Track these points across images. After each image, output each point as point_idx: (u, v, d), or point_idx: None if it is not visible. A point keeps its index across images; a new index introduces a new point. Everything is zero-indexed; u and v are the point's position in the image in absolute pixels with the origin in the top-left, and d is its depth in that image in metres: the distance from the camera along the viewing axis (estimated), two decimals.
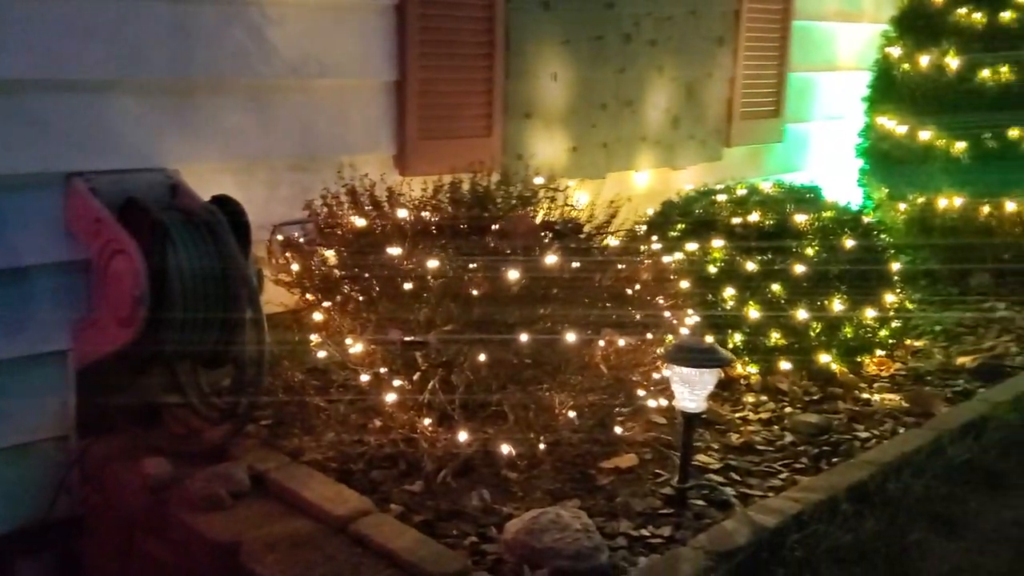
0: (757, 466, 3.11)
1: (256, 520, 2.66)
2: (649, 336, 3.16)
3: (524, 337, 2.91)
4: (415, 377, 2.99)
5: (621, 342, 3.02)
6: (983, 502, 2.97)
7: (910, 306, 4.31)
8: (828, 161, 6.17)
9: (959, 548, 2.72)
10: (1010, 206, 5.31)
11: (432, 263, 3.03)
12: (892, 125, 5.57)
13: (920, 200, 5.49)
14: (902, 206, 5.58)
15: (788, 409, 3.63)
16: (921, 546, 2.71)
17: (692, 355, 2.81)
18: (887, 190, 5.66)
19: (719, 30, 5.13)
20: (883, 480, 2.97)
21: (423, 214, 3.27)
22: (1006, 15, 5.32)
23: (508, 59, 4.26)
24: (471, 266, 3.04)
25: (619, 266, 3.29)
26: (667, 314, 3.28)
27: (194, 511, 2.68)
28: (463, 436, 2.90)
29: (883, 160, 5.64)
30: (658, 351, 3.03)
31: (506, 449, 2.91)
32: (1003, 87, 5.27)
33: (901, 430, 3.43)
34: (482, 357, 2.91)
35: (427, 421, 2.97)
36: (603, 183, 4.72)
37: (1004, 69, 5.28)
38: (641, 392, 3.20)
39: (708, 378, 2.83)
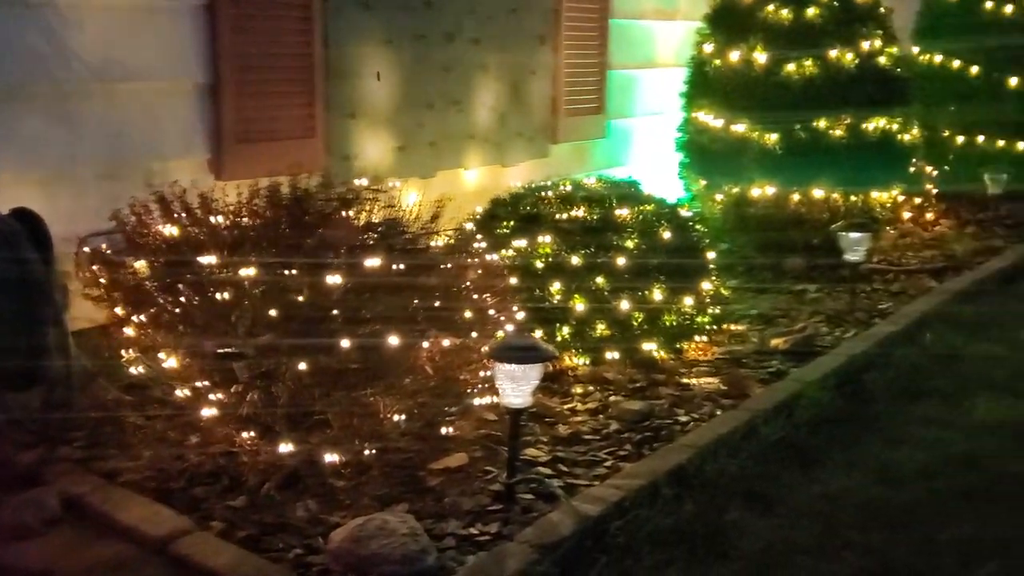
0: (584, 456, 3.19)
1: (69, 547, 2.55)
2: (476, 335, 3.18)
3: (346, 342, 2.88)
4: (235, 389, 2.92)
5: (447, 342, 3.03)
6: (795, 478, 3.13)
7: (726, 293, 4.50)
8: (651, 156, 6.38)
9: (772, 524, 2.86)
10: (818, 193, 5.61)
11: (249, 271, 2.96)
12: (708, 119, 5.79)
13: (736, 191, 5.73)
14: (719, 197, 5.81)
15: (614, 398, 3.73)
16: (737, 525, 2.83)
17: (516, 352, 2.85)
18: (705, 182, 5.88)
19: (540, 28, 5.22)
20: (701, 462, 3.10)
21: (240, 220, 3.19)
22: (811, 11, 5.61)
23: (329, 59, 4.21)
24: (291, 272, 2.99)
25: (445, 266, 3.30)
26: (493, 312, 3.31)
27: (3, 542, 2.54)
28: (286, 447, 2.85)
29: (700, 153, 5.86)
30: (484, 349, 3.05)
31: (332, 457, 2.88)
32: (807, 80, 5.56)
33: (719, 412, 3.58)
34: (304, 365, 2.87)
35: (249, 434, 2.90)
36: (433, 182, 4.72)
37: (808, 63, 5.58)
38: (470, 391, 3.22)
39: (532, 373, 2.87)
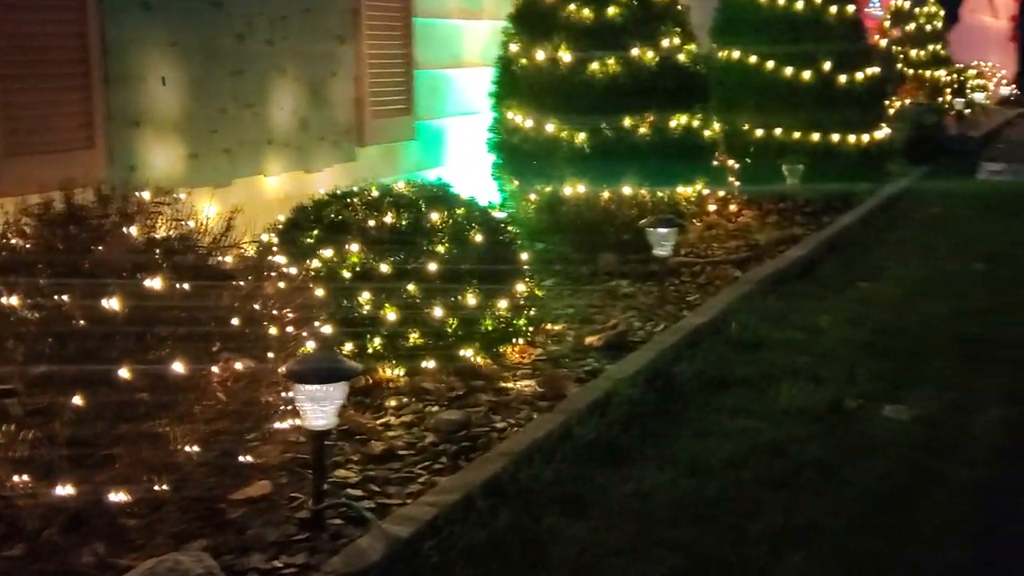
0: (397, 473, 3.08)
1: None
2: (275, 354, 3.01)
3: (131, 371, 2.66)
4: (7, 428, 2.64)
5: (241, 365, 2.84)
6: (608, 478, 3.12)
7: (540, 294, 4.48)
8: (465, 156, 6.32)
9: (587, 528, 2.83)
10: (627, 191, 5.69)
11: (19, 297, 2.69)
12: (518, 119, 5.78)
13: (548, 190, 5.75)
14: (533, 197, 5.81)
15: (432, 408, 3.64)
16: (553, 531, 2.79)
17: (317, 370, 2.71)
18: (518, 182, 5.87)
19: (339, 28, 5.05)
20: (516, 470, 3.04)
21: (8, 241, 2.90)
22: (611, 10, 5.69)
23: (107, 64, 3.91)
24: (67, 297, 2.74)
25: (240, 282, 3.11)
26: (294, 328, 3.14)
27: None
28: (68, 487, 2.60)
29: (513, 153, 5.85)
30: (282, 370, 2.89)
31: (120, 495, 2.65)
32: (611, 79, 5.64)
33: (535, 416, 3.54)
34: (85, 398, 2.63)
35: (25, 476, 2.63)
36: (230, 191, 4.49)
37: (611, 62, 5.65)
38: (273, 413, 3.04)
39: (336, 393, 2.73)
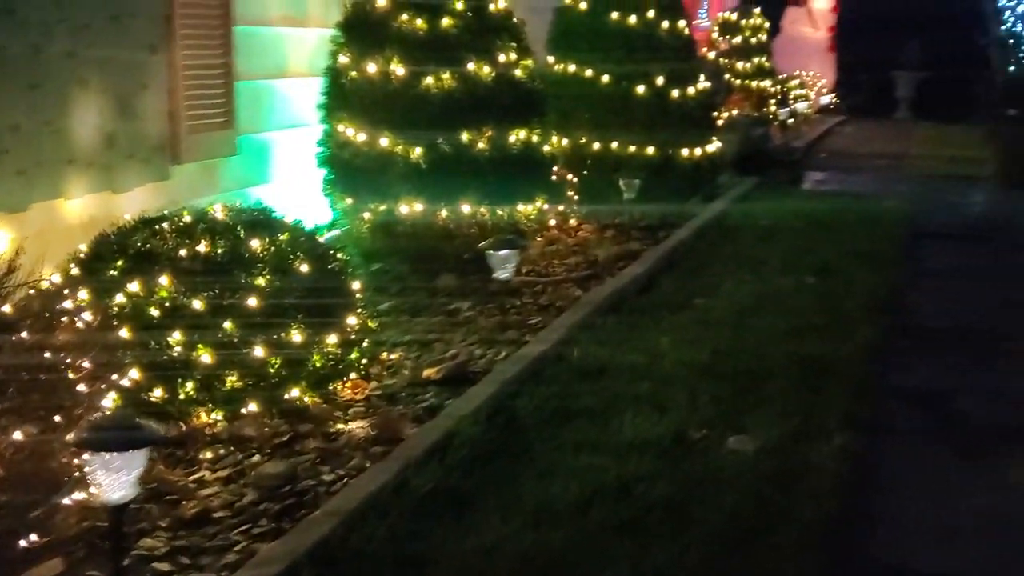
0: (212, 540, 2.76)
1: None
2: (67, 416, 2.64)
3: None
4: None
5: (21, 434, 2.47)
6: (449, 532, 2.90)
7: (373, 325, 4.21)
8: (294, 172, 5.97)
9: None
10: (466, 208, 5.49)
11: None
12: (350, 133, 5.50)
13: (384, 208, 5.48)
14: (367, 215, 5.54)
15: (254, 459, 3.32)
16: None
17: (112, 437, 2.37)
18: (351, 200, 5.58)
19: (150, 37, 4.64)
20: (347, 532, 2.78)
21: None
22: (445, 22, 5.47)
23: None
24: None
25: (25, 333, 2.72)
26: (87, 385, 2.78)
27: None
28: None
29: (345, 169, 5.55)
30: (70, 437, 2.53)
31: None
32: (447, 93, 5.42)
33: (368, 465, 3.28)
34: None
35: None
36: (26, 217, 4.02)
37: (447, 75, 5.43)
38: (66, 480, 2.67)
39: (136, 460, 2.40)
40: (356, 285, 4.11)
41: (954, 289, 6.22)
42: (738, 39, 14.57)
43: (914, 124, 17.96)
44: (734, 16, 14.72)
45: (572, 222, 7.55)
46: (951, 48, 17.69)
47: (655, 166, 8.26)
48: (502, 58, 5.63)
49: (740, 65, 14.51)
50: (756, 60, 14.64)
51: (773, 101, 14.78)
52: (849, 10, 20.26)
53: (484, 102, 5.50)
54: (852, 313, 5.32)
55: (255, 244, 3.74)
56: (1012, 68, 12.34)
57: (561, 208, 7.54)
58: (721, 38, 14.64)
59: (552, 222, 7.32)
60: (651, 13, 8.35)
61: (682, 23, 8.62)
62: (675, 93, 8.36)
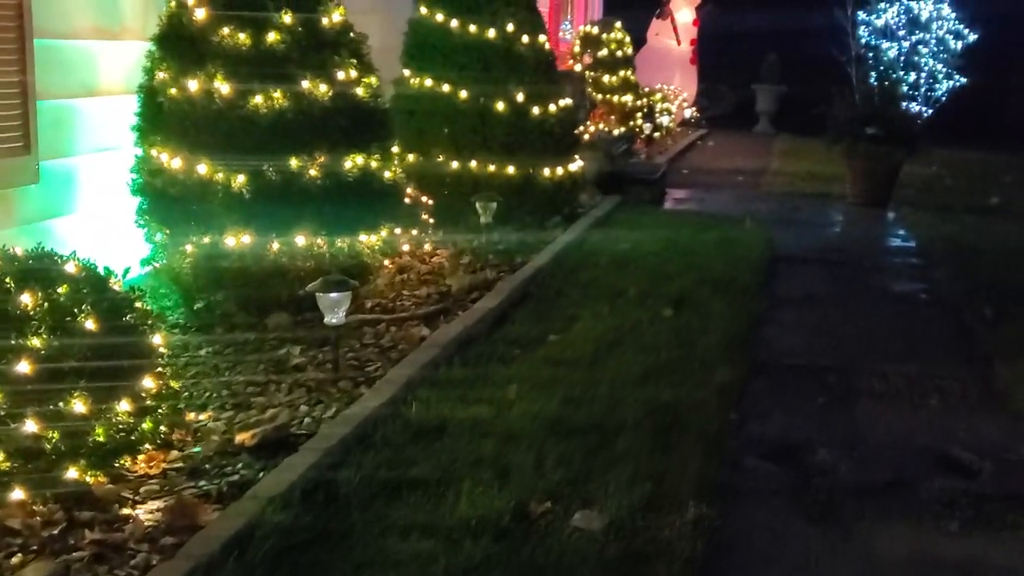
0: None
1: None
2: None
3: None
4: None
5: None
6: None
7: (176, 385, 3.71)
8: (106, 201, 5.36)
9: None
10: (300, 241, 5.01)
11: None
12: (164, 159, 4.95)
13: (207, 241, 4.95)
14: (188, 248, 4.99)
15: (15, 558, 2.79)
16: None
17: None
18: (169, 231, 5.03)
19: None
20: None
21: None
22: (271, 36, 4.97)
23: None
24: None
25: None
26: None
27: None
28: None
29: (161, 198, 4.99)
30: None
31: None
32: (277, 114, 4.93)
33: (155, 562, 2.79)
34: None
35: None
36: None
37: (277, 95, 4.95)
38: None
39: None
40: (157, 339, 3.59)
41: (811, 320, 6.08)
42: (603, 52, 14.45)
43: (774, 137, 18.26)
44: (595, 30, 14.59)
45: (427, 247, 7.15)
46: (811, 61, 18.13)
47: (515, 187, 7.97)
48: (340, 75, 5.18)
49: (605, 79, 14.41)
50: (621, 73, 14.56)
51: (639, 114, 14.73)
52: (710, 24, 20.54)
53: (318, 124, 5.03)
54: (708, 350, 5.08)
55: (26, 299, 3.19)
56: (872, 83, 12.55)
57: (414, 233, 7.15)
58: (584, 52, 14.49)
59: (405, 247, 6.91)
60: (510, 27, 8.03)
61: (542, 38, 8.33)
62: (535, 111, 8.07)
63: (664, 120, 16.46)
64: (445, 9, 8.01)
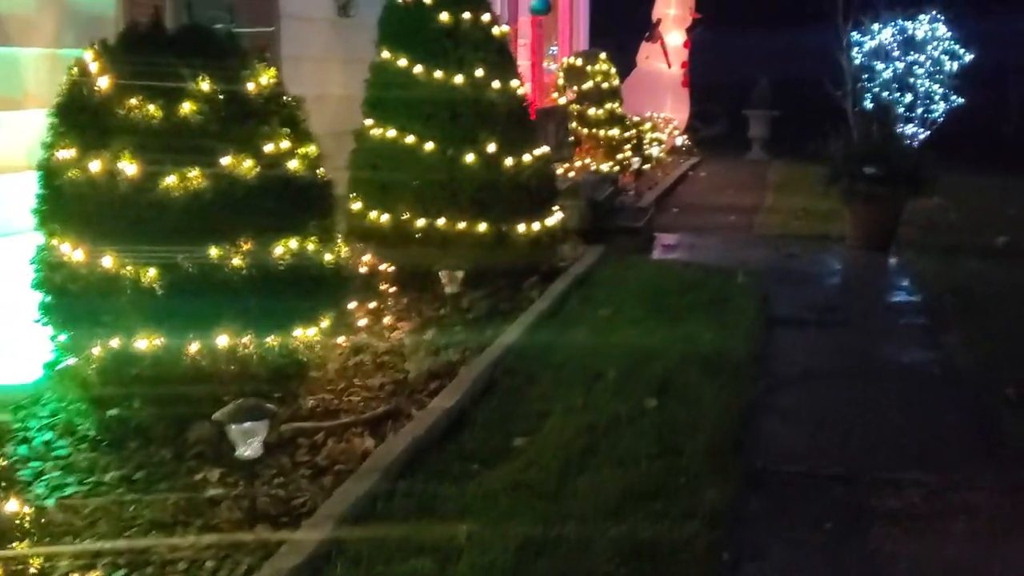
0: None
1: None
2: None
3: None
4: None
5: None
6: None
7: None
8: (4, 295, 4.70)
9: None
10: (222, 341, 4.34)
11: None
12: (67, 249, 4.29)
13: (115, 343, 4.28)
14: (95, 351, 4.32)
15: None
16: None
17: None
18: (73, 332, 4.37)
19: None
20: None
21: None
22: (187, 107, 4.32)
23: None
24: None
25: None
26: None
27: None
28: None
29: (63, 294, 4.33)
30: None
31: None
32: (193, 196, 4.28)
33: None
34: None
35: None
36: None
37: (194, 174, 4.29)
38: None
39: None
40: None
41: (812, 407, 5.41)
42: (588, 84, 13.84)
43: (767, 165, 17.65)
44: (579, 62, 13.98)
45: (388, 318, 6.49)
46: (803, 84, 17.60)
47: (487, 245, 7.33)
48: (269, 148, 4.52)
49: (591, 112, 13.80)
50: (608, 106, 13.94)
51: (628, 147, 14.12)
52: (701, 45, 20.05)
53: (243, 205, 4.36)
54: (696, 458, 4.40)
55: None
56: (868, 108, 11.94)
57: (372, 306, 6.50)
58: (568, 85, 13.88)
59: (363, 321, 6.26)
60: (479, 72, 7.39)
61: (515, 82, 7.69)
62: (509, 162, 7.43)
63: (654, 151, 15.86)
64: (409, 54, 7.39)
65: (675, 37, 19.00)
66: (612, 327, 6.55)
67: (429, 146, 7.27)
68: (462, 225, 7.29)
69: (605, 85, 13.94)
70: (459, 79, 7.34)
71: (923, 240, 10.12)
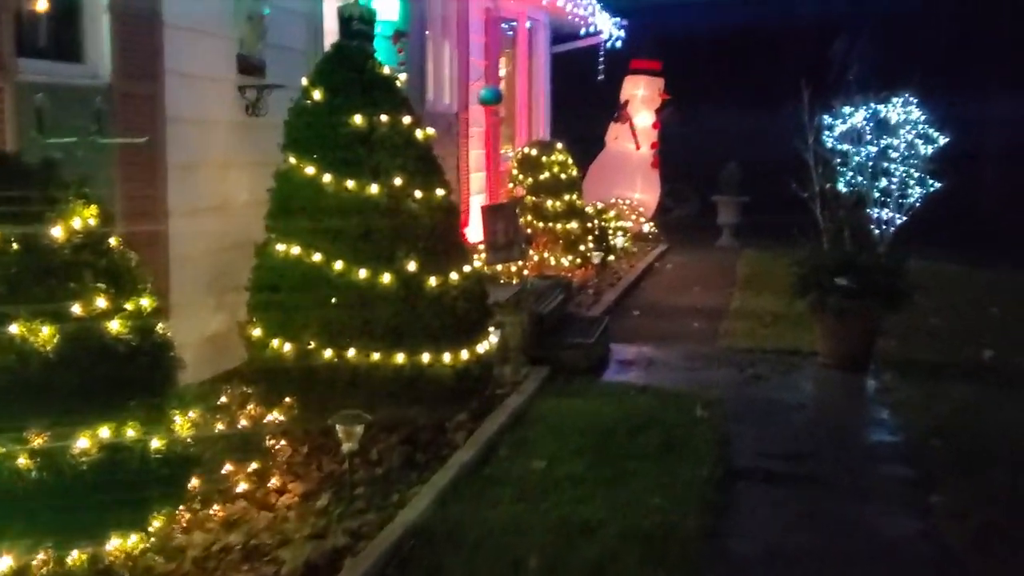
0: None
1: None
2: None
3: None
4: None
5: None
6: None
7: None
8: None
9: None
10: (5, 563, 3.32)
11: None
12: None
13: None
14: None
15: None
16: None
17: None
18: None
19: None
20: None
21: None
22: None
23: None
24: None
25: None
26: None
27: None
28: None
29: None
30: None
31: None
32: None
33: None
34: None
35: None
36: None
37: None
38: None
39: None
40: None
41: None
42: (544, 175, 13.02)
43: (737, 254, 16.87)
44: (534, 152, 13.18)
45: (274, 480, 5.46)
46: (773, 167, 16.98)
47: (406, 380, 6.36)
48: (77, 310, 3.55)
49: (548, 204, 12.96)
50: (566, 197, 13.11)
51: (590, 237, 13.26)
52: (671, 126, 19.48)
53: (38, 386, 3.40)
54: None
55: None
56: (840, 212, 11.11)
57: (255, 466, 5.47)
58: (522, 177, 13.05)
59: (242, 486, 5.24)
60: (398, 181, 6.49)
61: (440, 192, 6.79)
62: (432, 282, 6.49)
63: (619, 241, 15.04)
64: (317, 161, 6.49)
65: (644, 118, 18.47)
66: (545, 488, 5.54)
67: (338, 265, 6.33)
68: (376, 356, 6.32)
69: (563, 176, 13.13)
70: (374, 189, 6.43)
71: (903, 355, 9.22)
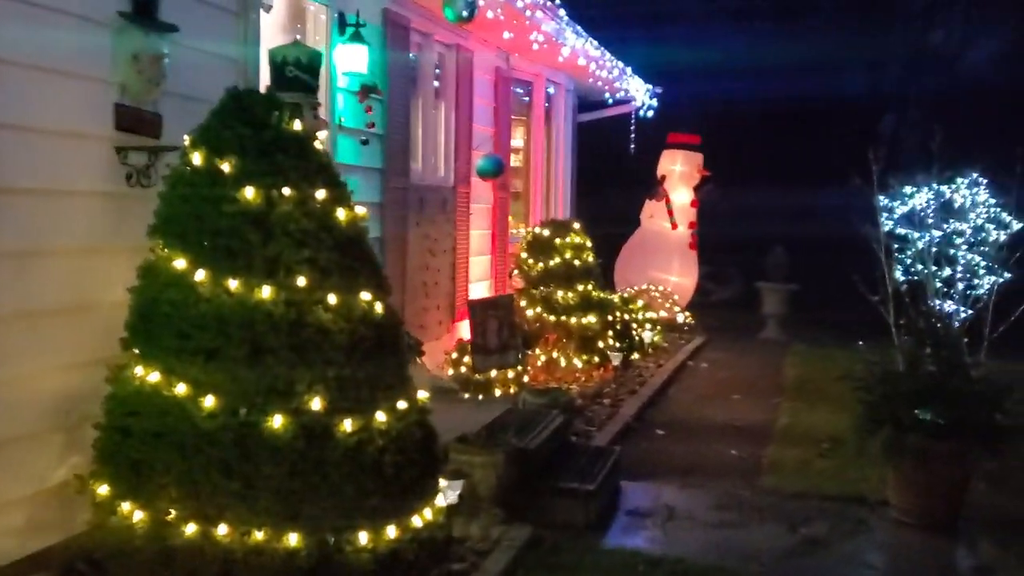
0: None
1: None
2: None
3: None
4: None
5: None
6: None
7: None
8: None
9: None
10: None
11: None
12: None
13: None
14: None
15: None
16: None
17: None
18: None
19: None
20: None
21: None
22: None
23: None
24: None
25: None
26: None
27: None
28: None
29: None
30: None
31: None
32: None
33: None
34: None
35: None
36: None
37: None
38: None
39: None
40: None
41: None
42: (555, 261, 11.10)
43: (784, 350, 14.76)
44: (546, 232, 11.27)
45: None
46: (826, 252, 15.16)
47: (302, 570, 4.39)
48: None
49: (560, 295, 11.01)
50: (580, 288, 11.15)
51: (611, 333, 11.26)
52: (711, 204, 17.70)
53: None
54: None
55: None
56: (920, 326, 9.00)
57: None
58: (535, 261, 11.12)
59: None
60: (301, 281, 4.60)
61: (367, 295, 4.86)
62: (347, 426, 4.55)
63: (647, 335, 13.00)
64: (190, 250, 4.62)
65: (682, 195, 16.72)
66: None
67: (208, 402, 4.42)
68: (259, 536, 4.37)
69: (577, 262, 11.18)
70: (266, 292, 4.53)
71: (998, 505, 7.07)
